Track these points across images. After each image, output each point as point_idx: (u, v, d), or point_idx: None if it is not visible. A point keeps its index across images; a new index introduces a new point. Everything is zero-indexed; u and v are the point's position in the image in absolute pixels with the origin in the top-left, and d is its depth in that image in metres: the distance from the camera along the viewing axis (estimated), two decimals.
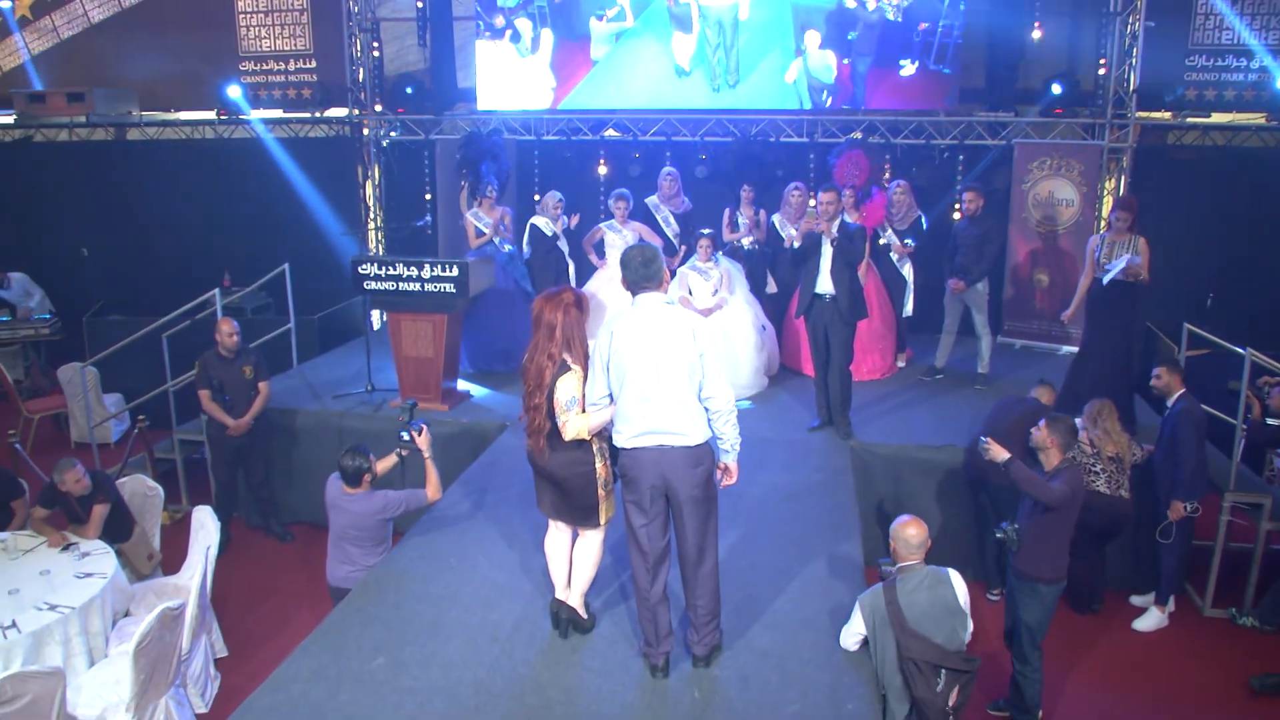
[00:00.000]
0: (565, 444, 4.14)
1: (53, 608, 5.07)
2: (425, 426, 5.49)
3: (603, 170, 10.66)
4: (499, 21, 10.11)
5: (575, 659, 4.30)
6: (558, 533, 4.52)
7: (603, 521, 4.34)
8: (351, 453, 5.31)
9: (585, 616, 4.54)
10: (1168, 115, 9.72)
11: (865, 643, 4.26)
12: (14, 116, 11.96)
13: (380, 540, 5.41)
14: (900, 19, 9.55)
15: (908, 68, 9.65)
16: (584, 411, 4.09)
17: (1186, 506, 6.12)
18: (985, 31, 9.78)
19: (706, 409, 4.01)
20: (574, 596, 4.50)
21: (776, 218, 8.83)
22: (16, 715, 4.35)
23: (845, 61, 9.66)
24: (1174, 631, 6.41)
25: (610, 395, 4.06)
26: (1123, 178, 9.69)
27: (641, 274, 4.06)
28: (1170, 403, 6.27)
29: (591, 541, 4.43)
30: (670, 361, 3.94)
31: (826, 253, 6.88)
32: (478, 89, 10.67)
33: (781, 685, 4.10)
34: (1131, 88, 9.45)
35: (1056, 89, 9.41)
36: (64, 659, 4.94)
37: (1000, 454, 4.98)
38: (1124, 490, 6.20)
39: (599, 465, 4.22)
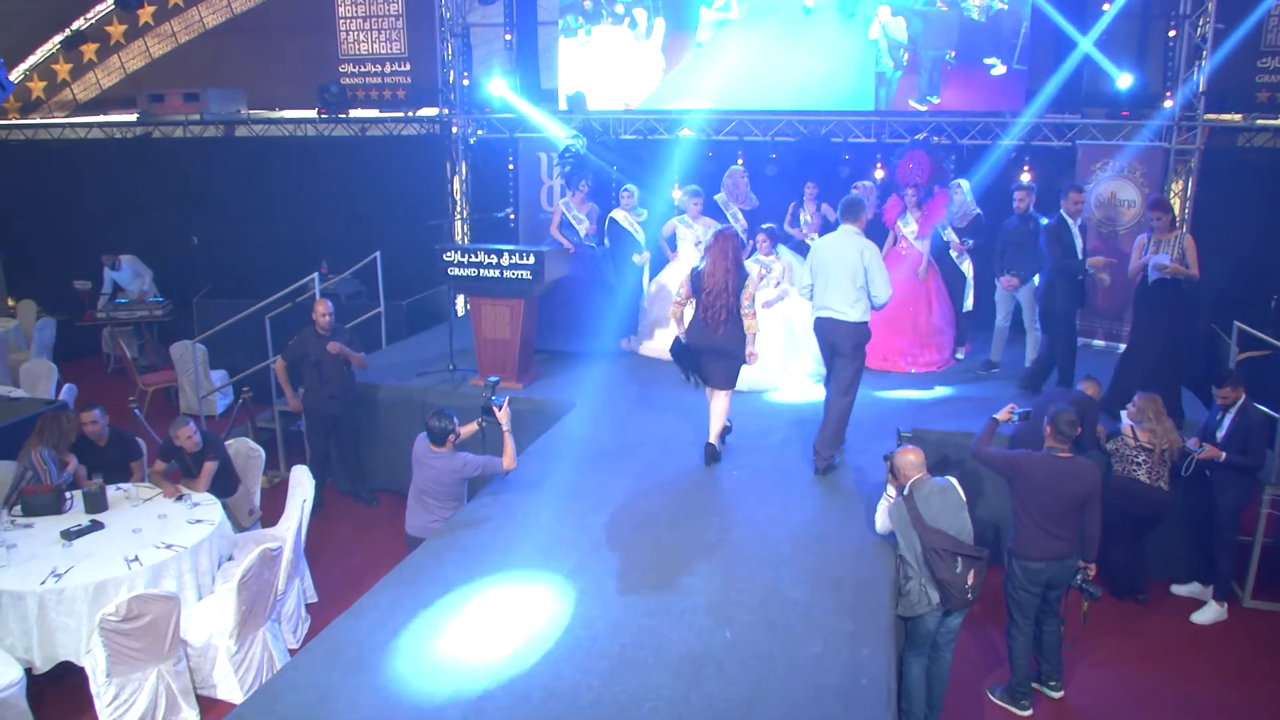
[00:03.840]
0: (733, 326, 6.25)
1: (169, 547, 5.74)
2: (507, 401, 6.03)
3: (677, 195, 11.11)
4: (619, 9, 10.85)
5: (622, 601, 4.78)
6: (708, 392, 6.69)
7: (736, 387, 6.56)
8: (438, 415, 5.87)
9: (719, 448, 6.66)
10: (1238, 117, 9.78)
11: (888, 537, 5.28)
12: (136, 115, 12.99)
13: (456, 496, 5.96)
14: (984, 19, 9.82)
15: (998, 67, 9.93)
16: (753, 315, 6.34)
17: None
18: (1054, 34, 9.98)
19: (871, 300, 6.12)
20: (712, 436, 6.64)
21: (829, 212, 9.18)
22: (140, 631, 5.04)
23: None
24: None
25: (812, 286, 6.31)
26: (1190, 180, 9.76)
27: (851, 212, 6.28)
28: (1238, 406, 6.42)
29: (723, 400, 6.60)
30: (845, 268, 6.09)
31: (1078, 239, 7.63)
32: (559, 91, 11.25)
33: (806, 631, 4.52)
34: (1200, 90, 9.53)
35: (1126, 79, 9.55)
36: (178, 591, 5.59)
37: (1003, 414, 5.81)
38: (1163, 482, 6.40)
39: (748, 341, 6.32)
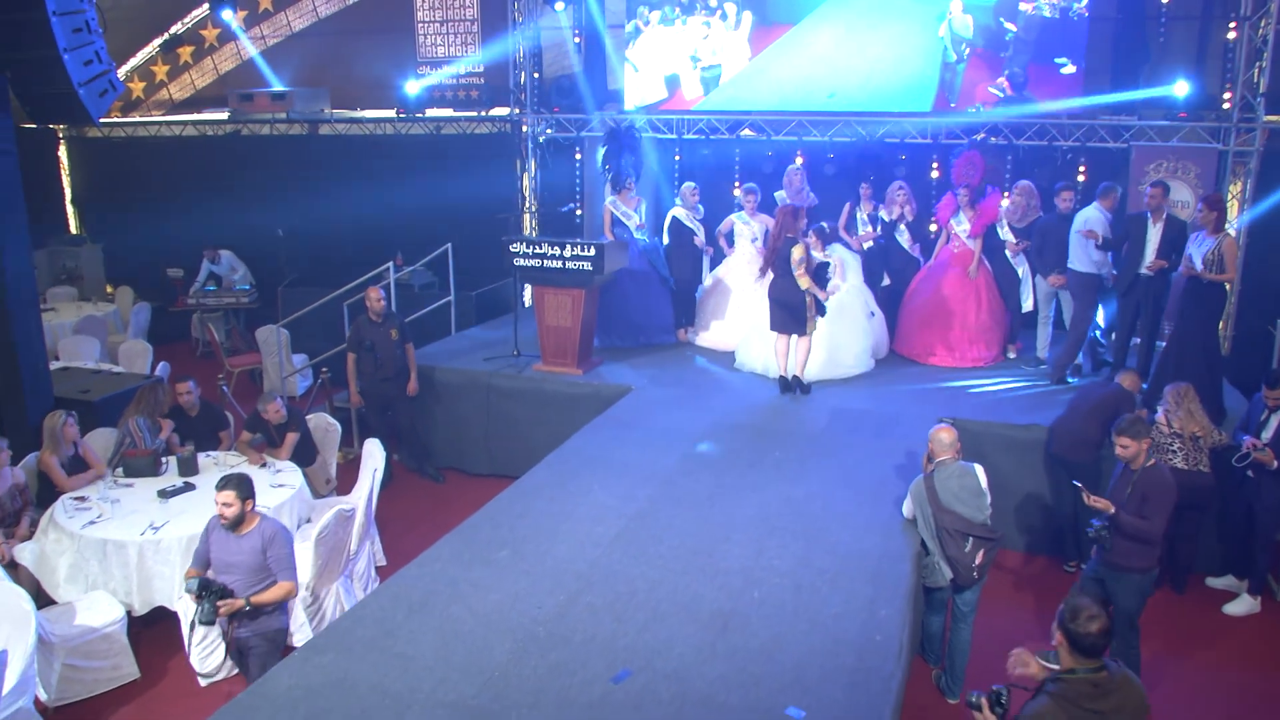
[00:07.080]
0: (789, 281, 7.72)
1: None
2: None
3: (737, 192, 11.45)
4: (713, 2, 11.28)
5: (661, 562, 5.18)
6: (782, 340, 8.08)
7: (809, 332, 7.94)
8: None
9: (805, 382, 8.11)
10: None
11: (915, 521, 5.48)
12: (227, 113, 13.77)
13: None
14: (1057, 15, 9.95)
15: (1068, 67, 10.02)
16: (804, 273, 7.74)
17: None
18: (1111, 33, 10.08)
19: (1091, 257, 8.05)
20: (796, 369, 8.10)
21: (883, 212, 9.42)
22: None
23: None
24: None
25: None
26: (1249, 181, 9.77)
27: (1102, 194, 8.10)
28: None
29: (804, 343, 8.04)
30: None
31: (1152, 238, 7.82)
32: (625, 91, 11.67)
33: (829, 593, 4.86)
34: (1260, 91, 9.55)
35: (1183, 87, 9.59)
36: None
37: (1106, 507, 5.13)
38: (1203, 465, 6.48)
39: (808, 298, 7.76)
